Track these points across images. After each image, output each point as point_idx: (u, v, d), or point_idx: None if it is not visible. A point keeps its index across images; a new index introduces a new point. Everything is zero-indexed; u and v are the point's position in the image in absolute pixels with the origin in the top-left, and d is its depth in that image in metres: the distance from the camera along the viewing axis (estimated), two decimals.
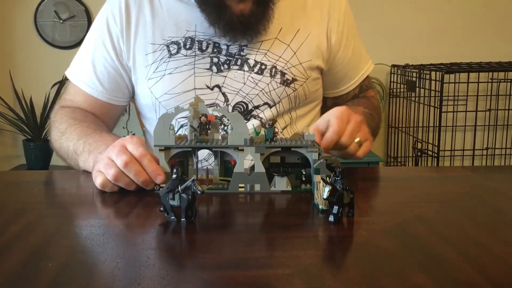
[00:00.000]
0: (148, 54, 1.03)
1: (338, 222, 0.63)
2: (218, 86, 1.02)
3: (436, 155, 2.35)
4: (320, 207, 0.67)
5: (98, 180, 0.76)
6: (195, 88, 1.02)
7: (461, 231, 0.61)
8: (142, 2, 1.05)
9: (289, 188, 0.77)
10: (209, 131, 0.77)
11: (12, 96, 2.72)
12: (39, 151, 2.61)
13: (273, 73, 1.03)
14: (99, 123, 1.03)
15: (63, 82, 2.61)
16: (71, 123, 1.00)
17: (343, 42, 1.10)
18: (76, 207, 0.71)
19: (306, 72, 1.06)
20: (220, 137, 0.78)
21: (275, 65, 1.03)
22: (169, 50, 1.03)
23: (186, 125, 0.90)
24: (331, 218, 0.63)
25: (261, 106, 1.04)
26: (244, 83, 1.02)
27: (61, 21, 2.69)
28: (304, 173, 0.77)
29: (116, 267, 0.51)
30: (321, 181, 0.66)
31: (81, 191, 0.81)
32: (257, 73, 1.03)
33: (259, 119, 1.04)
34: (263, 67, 1.03)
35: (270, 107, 1.04)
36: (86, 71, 1.07)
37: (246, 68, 1.03)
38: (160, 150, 0.74)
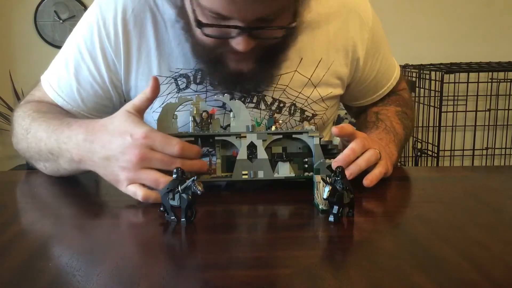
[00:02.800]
0: None
1: (338, 222, 0.63)
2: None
3: (436, 155, 2.35)
4: (320, 207, 0.67)
5: (139, 194, 0.70)
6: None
7: (461, 231, 0.61)
8: (144, 23, 0.88)
9: (293, 174, 0.77)
10: (210, 125, 0.78)
11: (12, 96, 2.72)
12: None
13: (292, 111, 0.94)
14: (66, 113, 0.89)
15: None
16: (34, 117, 0.85)
17: (369, 61, 0.99)
18: (76, 207, 0.71)
19: (326, 104, 0.98)
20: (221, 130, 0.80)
21: (294, 102, 0.94)
22: (177, 84, 0.90)
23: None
24: (331, 218, 0.63)
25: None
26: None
27: (61, 21, 2.69)
28: (306, 161, 0.78)
29: (116, 267, 0.51)
30: (321, 181, 0.66)
31: (81, 191, 0.81)
32: (275, 111, 0.93)
33: None
34: (281, 105, 0.93)
35: None
36: (67, 84, 0.90)
37: (263, 106, 0.92)
38: None
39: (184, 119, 0.88)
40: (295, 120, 0.95)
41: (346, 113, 2.50)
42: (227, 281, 0.48)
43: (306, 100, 0.95)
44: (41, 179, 0.92)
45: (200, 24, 0.75)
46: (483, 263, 0.51)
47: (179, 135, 0.75)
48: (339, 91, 0.99)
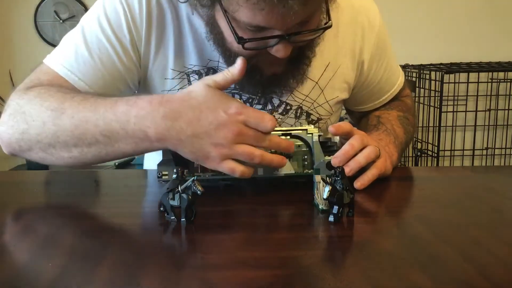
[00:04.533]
0: (167, 79, 0.90)
1: (338, 222, 0.63)
2: None
3: (436, 155, 2.35)
4: (320, 207, 0.67)
5: (238, 170, 0.68)
6: None
7: (461, 231, 0.61)
8: (165, 16, 0.88)
9: (293, 171, 0.77)
10: None
11: None
12: None
13: (298, 114, 0.95)
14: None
15: None
16: (66, 97, 0.75)
17: (374, 65, 1.00)
18: (76, 207, 0.71)
19: (331, 109, 0.99)
20: None
21: (301, 105, 0.95)
22: (189, 80, 0.91)
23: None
24: (331, 218, 0.63)
25: None
26: None
27: (61, 21, 2.69)
28: (305, 157, 0.78)
29: (116, 267, 0.51)
30: (321, 181, 0.66)
31: (81, 191, 0.81)
32: (281, 113, 0.94)
33: None
34: (288, 107, 0.94)
35: None
36: (86, 64, 0.85)
37: (269, 107, 0.94)
38: None
39: None
40: (300, 123, 0.95)
41: (346, 113, 2.50)
42: (227, 281, 0.48)
43: (313, 103, 0.96)
44: (41, 179, 0.92)
45: (241, 40, 0.74)
46: (483, 263, 0.51)
47: None
48: (345, 95, 1.00)
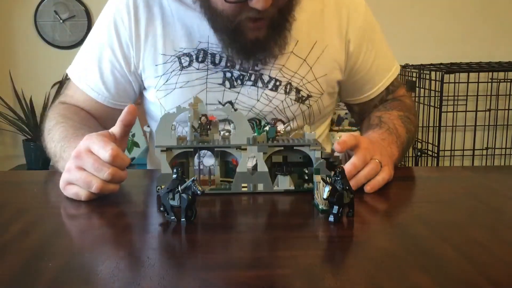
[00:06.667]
0: (158, 65, 0.98)
1: (338, 222, 0.63)
2: (230, 102, 0.98)
3: (436, 155, 2.35)
4: (320, 207, 0.67)
5: (82, 195, 0.72)
6: (206, 104, 0.96)
7: (461, 231, 0.61)
8: (151, 8, 0.98)
9: (292, 187, 0.77)
10: (209, 131, 0.77)
11: (12, 96, 2.72)
12: (39, 151, 2.61)
13: (287, 90, 0.99)
14: (87, 122, 0.98)
15: (63, 82, 2.61)
16: (58, 120, 0.94)
17: (363, 48, 1.04)
18: (76, 207, 0.71)
19: (321, 87, 1.01)
20: (220, 137, 0.78)
21: (290, 81, 0.99)
22: (180, 63, 0.97)
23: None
24: (331, 218, 0.63)
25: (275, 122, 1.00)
26: (258, 100, 0.98)
27: (61, 21, 2.69)
28: (306, 172, 0.77)
29: (116, 267, 0.51)
30: (321, 181, 0.66)
31: None
32: (271, 89, 0.98)
33: None
34: (277, 83, 0.99)
35: (284, 123, 1.01)
36: (92, 75, 1.00)
37: (260, 84, 0.98)
38: (162, 151, 0.74)
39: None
40: (290, 99, 0.99)
41: (346, 113, 2.50)
42: (227, 281, 0.48)
43: (302, 80, 1.00)
44: (41, 179, 0.92)
45: None
46: (483, 263, 0.51)
47: (178, 147, 0.74)
48: (336, 75, 1.03)
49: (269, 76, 0.98)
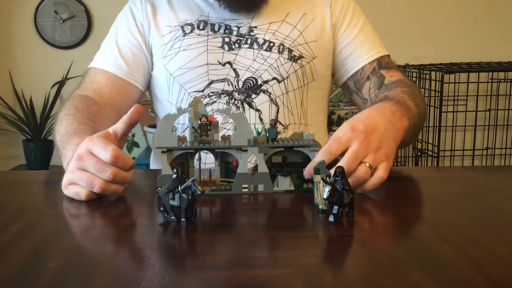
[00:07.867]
0: (165, 35, 1.13)
1: (338, 222, 0.63)
2: (229, 62, 1.10)
3: (436, 155, 2.35)
4: (320, 207, 0.67)
5: (82, 194, 0.72)
6: (208, 64, 1.09)
7: (461, 231, 0.61)
8: None
9: (292, 188, 0.77)
10: (209, 131, 0.77)
11: (12, 96, 2.72)
12: (39, 151, 2.61)
13: (281, 50, 1.11)
14: (94, 118, 0.99)
15: (63, 82, 2.61)
16: (69, 112, 0.98)
17: (347, 18, 1.17)
18: (76, 207, 0.71)
19: (312, 52, 1.13)
20: (220, 138, 0.78)
21: (282, 42, 1.12)
22: (183, 30, 1.12)
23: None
24: (331, 218, 0.63)
25: (270, 81, 1.11)
26: (254, 60, 1.10)
27: (61, 21, 2.69)
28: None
29: (116, 267, 0.51)
30: (321, 181, 0.66)
31: None
32: (266, 50, 1.11)
33: (268, 93, 1.11)
34: (271, 44, 1.12)
35: (279, 82, 1.11)
36: (111, 55, 1.13)
37: (255, 46, 1.11)
38: (162, 152, 0.74)
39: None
40: (283, 57, 1.11)
41: (346, 113, 2.50)
42: (227, 281, 0.48)
43: (293, 42, 1.13)
44: (41, 179, 0.92)
45: None
46: (483, 263, 0.51)
47: (179, 149, 0.74)
48: (324, 42, 1.15)
49: (264, 39, 1.12)
